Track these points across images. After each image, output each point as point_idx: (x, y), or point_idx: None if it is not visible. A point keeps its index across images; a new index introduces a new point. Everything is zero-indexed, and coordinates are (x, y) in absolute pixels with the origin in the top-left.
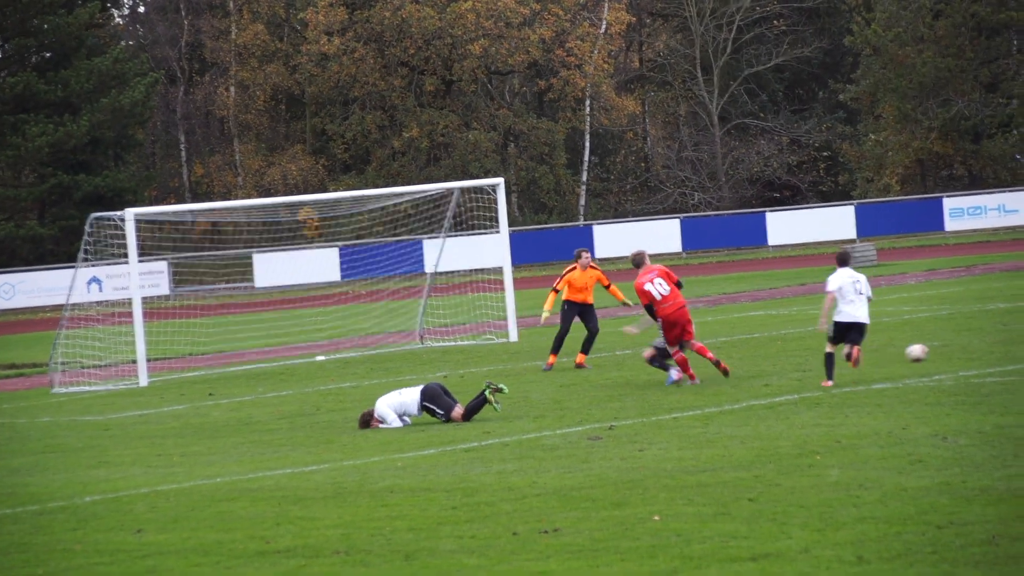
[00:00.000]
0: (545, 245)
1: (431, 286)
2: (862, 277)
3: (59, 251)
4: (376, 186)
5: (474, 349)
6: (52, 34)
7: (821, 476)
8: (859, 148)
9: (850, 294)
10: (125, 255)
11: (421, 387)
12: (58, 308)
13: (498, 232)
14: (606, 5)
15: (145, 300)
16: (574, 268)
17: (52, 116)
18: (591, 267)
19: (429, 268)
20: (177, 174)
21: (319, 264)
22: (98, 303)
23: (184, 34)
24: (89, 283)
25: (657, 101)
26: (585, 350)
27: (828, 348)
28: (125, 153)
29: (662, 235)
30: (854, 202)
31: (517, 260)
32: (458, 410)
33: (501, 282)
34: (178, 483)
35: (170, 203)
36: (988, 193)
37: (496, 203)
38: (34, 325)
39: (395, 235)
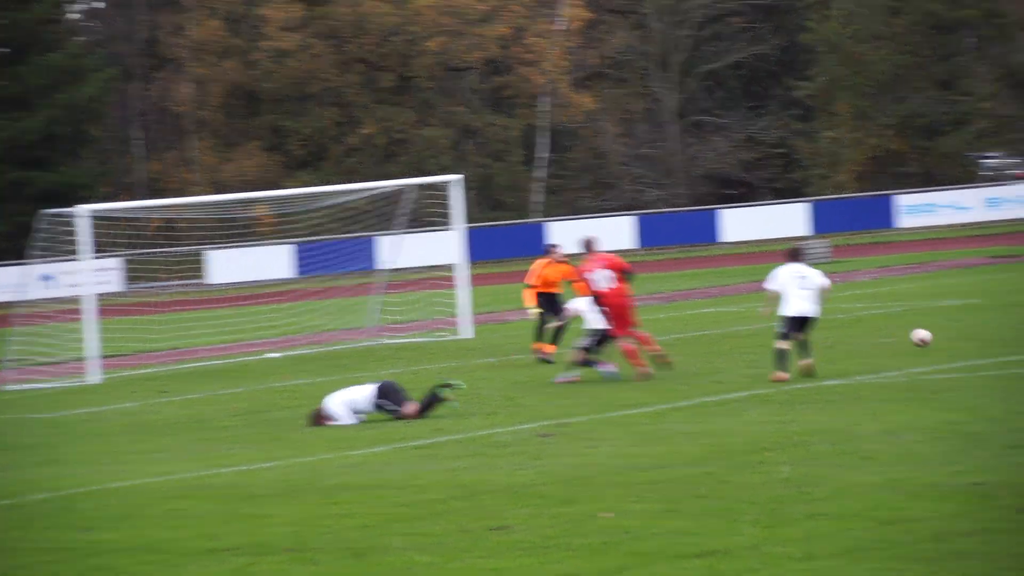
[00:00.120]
0: (501, 242)
1: (385, 283)
2: (812, 272)
3: (12, 247)
4: (332, 183)
5: (428, 346)
6: (7, 30)
7: (771, 473)
8: (814, 145)
9: (794, 289)
10: (78, 252)
11: (375, 384)
12: (10, 305)
13: (454, 229)
14: (564, 1)
15: (98, 297)
16: (546, 263)
17: (7, 112)
18: (561, 263)
19: (384, 265)
20: (132, 170)
21: (274, 261)
22: (51, 300)
23: (141, 30)
24: (41, 280)
25: (614, 98)
26: (554, 341)
27: (779, 344)
28: (80, 149)
29: (617, 232)
30: (808, 199)
31: (473, 257)
32: (411, 407)
33: (457, 279)
34: (128, 481)
35: (125, 200)
36: (941, 190)
37: (452, 200)
38: None
39: (350, 232)
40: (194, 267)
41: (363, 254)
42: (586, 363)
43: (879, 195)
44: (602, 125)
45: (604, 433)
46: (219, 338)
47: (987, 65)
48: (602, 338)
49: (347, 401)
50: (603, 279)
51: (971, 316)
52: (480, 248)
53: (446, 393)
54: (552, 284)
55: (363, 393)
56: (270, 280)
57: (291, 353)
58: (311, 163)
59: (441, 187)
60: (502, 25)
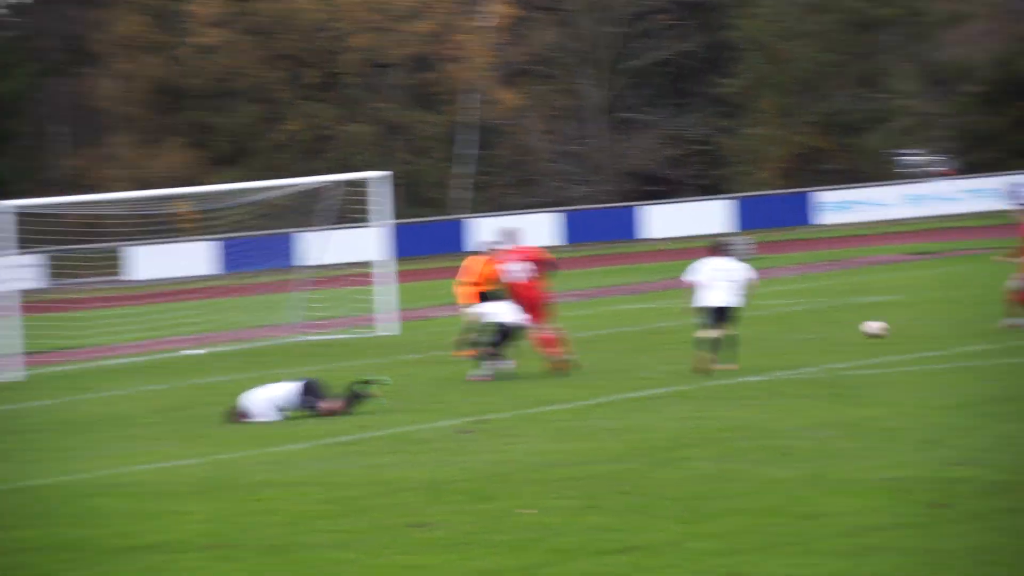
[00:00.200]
0: (426, 238)
1: (309, 279)
2: (735, 265)
3: None
4: (257, 179)
5: (352, 342)
6: None
7: (691, 468)
8: (738, 142)
9: (714, 281)
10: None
11: (299, 381)
12: None
13: (380, 225)
14: None
15: (20, 293)
16: (484, 259)
17: None
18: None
19: (309, 261)
20: (55, 166)
21: (196, 257)
22: None
23: (65, 25)
24: None
25: (540, 95)
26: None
27: (704, 333)
28: (2, 145)
29: (543, 228)
30: (732, 196)
31: (398, 253)
32: (335, 404)
33: (382, 275)
34: (46, 478)
35: (48, 195)
36: (862, 187)
37: (378, 196)
38: None
39: (275, 228)
40: (116, 263)
41: (286, 251)
42: (490, 358)
43: (801, 192)
44: (528, 122)
45: (525, 429)
46: (141, 335)
47: (909, 63)
48: (507, 333)
49: (271, 398)
50: (519, 271)
51: (891, 313)
52: (405, 244)
53: (371, 389)
54: (490, 280)
55: (287, 390)
56: (192, 276)
57: (213, 350)
58: (236, 159)
59: (367, 184)
60: (429, 22)
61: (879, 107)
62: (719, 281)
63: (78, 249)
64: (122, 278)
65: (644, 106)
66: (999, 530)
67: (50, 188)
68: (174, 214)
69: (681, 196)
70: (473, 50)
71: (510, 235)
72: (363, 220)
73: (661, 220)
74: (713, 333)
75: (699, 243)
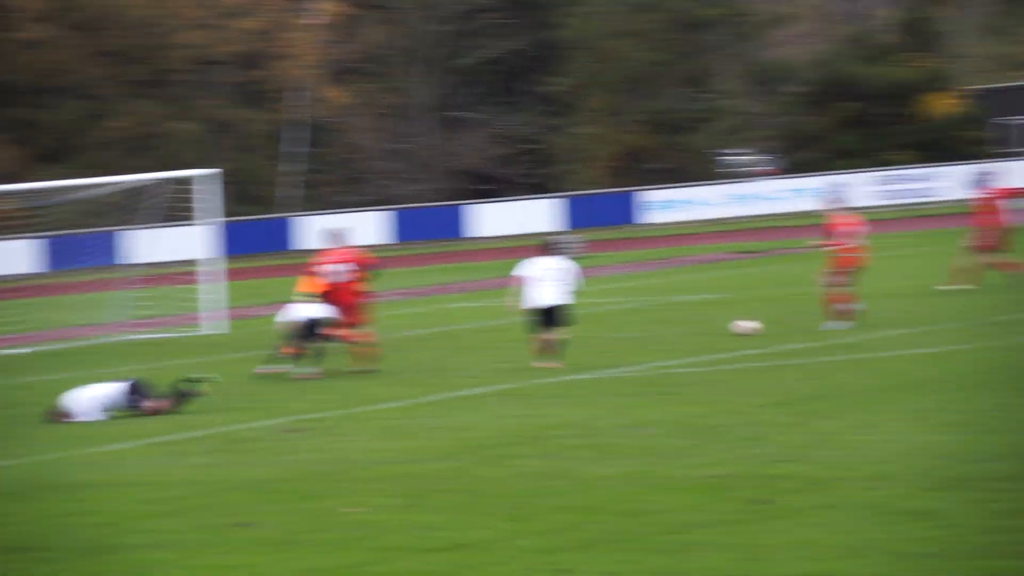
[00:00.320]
0: (254, 237)
1: (135, 277)
2: (564, 265)
3: None
4: (83, 176)
5: (179, 341)
6: None
7: (517, 466)
8: (567, 141)
9: (541, 280)
10: None
11: (125, 381)
12: None
13: (207, 223)
14: None
15: None
16: (328, 255)
17: None
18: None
19: (136, 259)
20: None
21: (19, 255)
22: None
23: None
24: None
25: (369, 93)
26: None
27: (537, 332)
28: None
29: (372, 226)
30: (561, 194)
31: (227, 251)
32: (160, 403)
33: (210, 273)
34: None
35: None
36: (688, 186)
37: (205, 194)
38: None
39: (101, 226)
40: None
41: (112, 249)
42: (297, 356)
43: (628, 191)
44: (358, 120)
45: (351, 428)
46: None
47: (733, 63)
48: (314, 330)
49: (95, 398)
50: (337, 273)
51: (714, 311)
52: (234, 243)
53: (198, 387)
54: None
55: (112, 390)
56: (16, 275)
57: (37, 349)
58: (61, 156)
59: (194, 181)
60: (256, 19)
61: (705, 106)
62: (549, 280)
63: None
64: None
65: (473, 104)
66: (818, 526)
67: None
68: None
69: (510, 195)
70: (302, 48)
71: (335, 236)
72: (190, 218)
73: (490, 219)
74: (545, 332)
75: (528, 242)
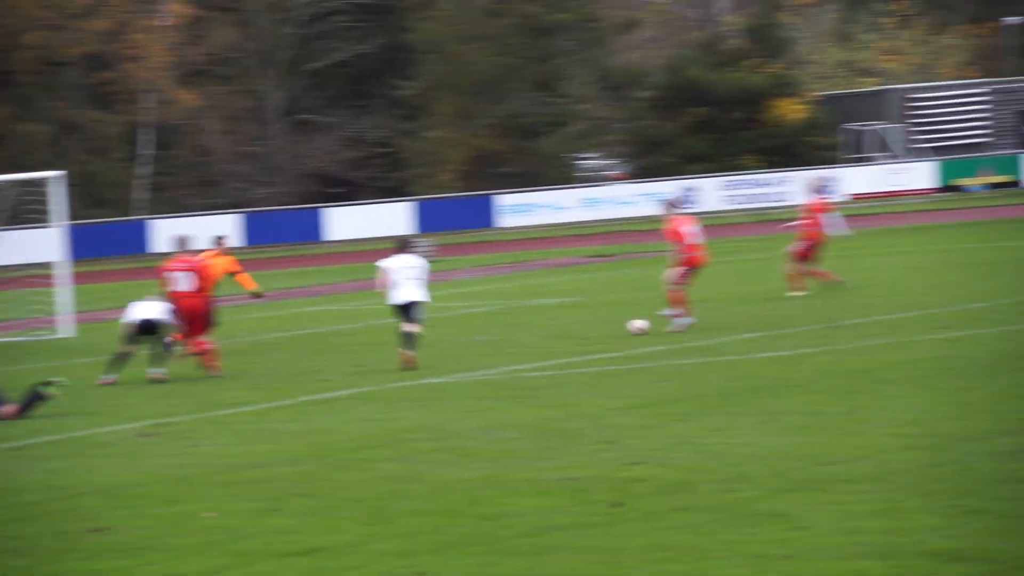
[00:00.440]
0: (104, 240)
1: None
2: (419, 262)
3: None
4: None
5: (28, 345)
6: None
7: (373, 470)
8: (417, 144)
9: (401, 278)
10: None
11: None
12: None
13: (55, 226)
14: None
15: None
16: (214, 254)
17: None
18: (226, 255)
19: None
20: None
21: None
22: None
23: None
24: None
25: (219, 95)
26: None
27: (403, 327)
28: None
29: (224, 230)
30: (412, 198)
31: (74, 255)
32: (10, 408)
33: (59, 276)
34: None
35: None
36: (540, 190)
37: (53, 197)
38: None
39: None
40: None
41: None
42: (121, 357)
43: (480, 195)
44: (208, 122)
45: (206, 432)
46: None
47: (584, 68)
48: (149, 331)
49: None
50: (181, 280)
51: (568, 314)
52: (82, 246)
53: (48, 391)
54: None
55: None
56: None
57: None
58: None
59: (41, 184)
60: (104, 20)
61: (556, 111)
62: (408, 278)
63: None
64: None
65: (324, 108)
66: (674, 528)
67: None
68: None
69: (362, 198)
70: (151, 49)
71: (182, 242)
72: (39, 221)
73: (342, 222)
74: (410, 327)
75: (381, 245)
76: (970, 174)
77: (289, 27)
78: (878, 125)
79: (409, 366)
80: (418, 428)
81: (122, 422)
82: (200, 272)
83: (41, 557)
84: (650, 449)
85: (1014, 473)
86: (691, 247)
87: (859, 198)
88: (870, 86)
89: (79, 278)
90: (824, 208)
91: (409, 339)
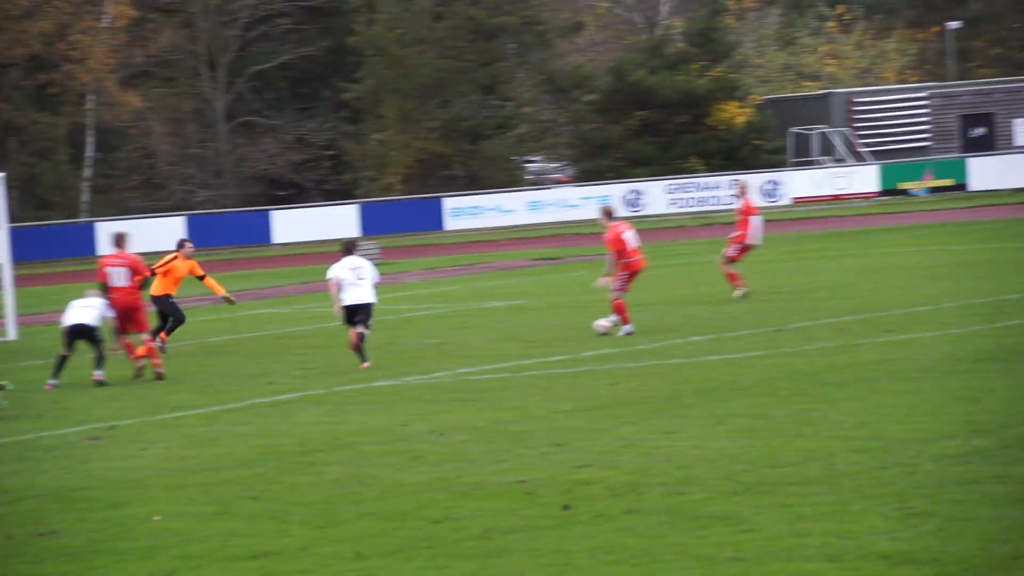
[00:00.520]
0: (46, 242)
1: None
2: (365, 263)
3: None
4: None
5: None
6: None
7: (322, 473)
8: (362, 147)
9: (350, 279)
10: None
11: None
12: None
13: None
14: None
15: None
16: (176, 256)
17: None
18: (190, 258)
19: None
20: None
21: None
22: None
23: None
24: None
25: (162, 97)
26: (169, 331)
27: (355, 329)
28: None
29: (168, 232)
30: (358, 201)
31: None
32: None
33: None
34: None
35: None
36: (486, 193)
37: None
38: None
39: None
40: None
41: None
42: (60, 361)
43: (426, 198)
44: (150, 124)
45: (154, 435)
46: None
47: (527, 71)
48: (81, 334)
49: None
50: (117, 276)
51: (516, 317)
52: (25, 248)
53: None
54: (178, 280)
55: None
56: None
57: None
58: None
59: None
60: (46, 21)
61: (500, 114)
62: (356, 279)
63: None
64: None
65: (268, 110)
66: (623, 531)
67: None
68: None
69: (307, 201)
70: (93, 51)
71: (118, 239)
72: None
73: (288, 225)
74: (360, 329)
75: (327, 248)
76: (915, 178)
77: (232, 29)
78: (823, 129)
79: (356, 345)
80: (367, 431)
81: (69, 425)
82: (135, 268)
83: None
84: (599, 452)
85: (960, 476)
86: (631, 253)
87: (803, 201)
88: (813, 90)
89: (23, 280)
90: (753, 212)
91: (359, 341)
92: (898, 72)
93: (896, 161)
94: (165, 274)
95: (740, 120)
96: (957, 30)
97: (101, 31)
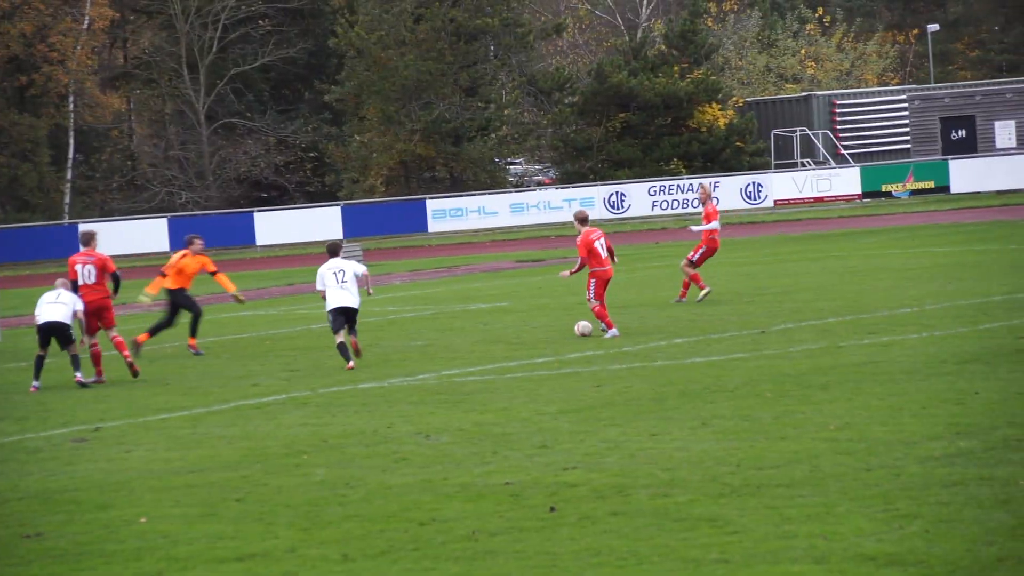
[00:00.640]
0: (28, 244)
1: None
2: (348, 265)
3: None
4: None
5: None
6: None
7: (308, 475)
8: (345, 149)
9: (333, 282)
10: None
11: None
12: None
13: None
14: (88, 0)
15: None
16: (186, 254)
17: None
18: (199, 255)
19: None
20: None
21: None
22: None
23: None
24: None
25: (143, 99)
26: (193, 333)
27: (337, 338)
28: None
29: (150, 234)
30: (340, 203)
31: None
32: None
33: None
34: None
35: None
36: (469, 195)
37: None
38: None
39: None
40: None
41: None
42: (38, 361)
43: (409, 199)
44: (131, 126)
45: (140, 437)
46: None
47: (509, 73)
48: (52, 333)
49: None
50: (87, 274)
51: (500, 319)
52: (7, 250)
53: None
54: (190, 277)
55: None
56: None
57: None
58: None
59: None
60: (25, 22)
61: (482, 116)
62: (340, 283)
63: None
64: None
65: (249, 112)
66: (609, 533)
67: None
68: None
69: (290, 203)
70: (73, 52)
71: (86, 238)
72: None
73: (270, 227)
74: (342, 336)
75: (310, 250)
76: (897, 180)
77: (212, 31)
78: (805, 131)
79: (357, 351)
80: (353, 433)
81: (54, 427)
82: (103, 266)
83: None
84: (585, 454)
85: (946, 477)
86: (602, 261)
87: (785, 204)
88: (794, 92)
89: (5, 282)
90: (714, 216)
91: (345, 348)
92: (879, 75)
93: (878, 163)
94: (178, 272)
95: (722, 122)
96: (937, 33)
97: (81, 32)
